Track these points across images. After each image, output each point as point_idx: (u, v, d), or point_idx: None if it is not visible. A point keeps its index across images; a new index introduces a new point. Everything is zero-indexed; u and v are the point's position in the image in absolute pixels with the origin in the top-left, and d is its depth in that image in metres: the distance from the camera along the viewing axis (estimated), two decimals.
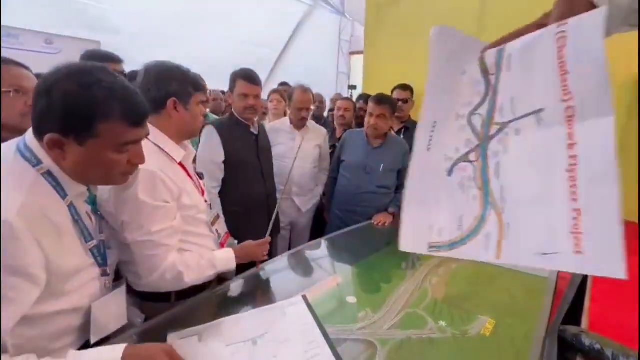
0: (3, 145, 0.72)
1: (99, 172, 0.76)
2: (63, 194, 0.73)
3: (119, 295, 0.90)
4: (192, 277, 1.04)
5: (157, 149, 1.05)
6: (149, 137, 1.02)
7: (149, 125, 1.07)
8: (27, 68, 1.09)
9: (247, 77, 1.68)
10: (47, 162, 0.70)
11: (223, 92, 3.85)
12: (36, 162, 0.69)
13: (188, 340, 0.91)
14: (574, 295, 1.06)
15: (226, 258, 1.14)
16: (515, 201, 0.49)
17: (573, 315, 0.99)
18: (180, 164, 1.12)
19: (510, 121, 0.50)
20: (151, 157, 0.99)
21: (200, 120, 1.15)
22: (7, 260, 0.61)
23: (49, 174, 0.70)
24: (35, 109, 0.68)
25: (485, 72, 0.54)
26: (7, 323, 0.62)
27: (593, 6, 0.41)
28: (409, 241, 0.58)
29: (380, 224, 1.95)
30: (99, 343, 0.83)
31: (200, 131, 1.59)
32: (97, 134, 0.69)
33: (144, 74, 1.05)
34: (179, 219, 1.05)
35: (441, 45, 0.56)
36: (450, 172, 0.57)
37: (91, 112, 0.68)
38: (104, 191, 0.95)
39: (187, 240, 1.11)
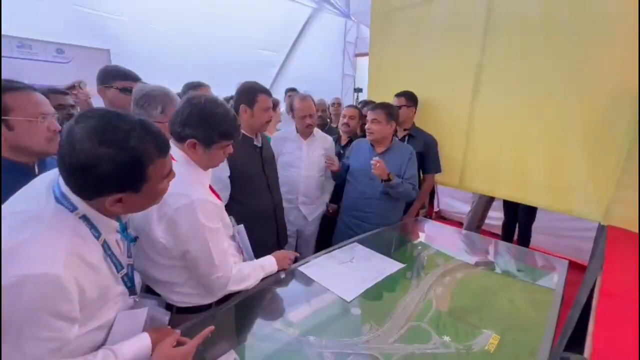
0: (37, 179, 0.79)
1: (148, 204, 0.85)
2: (97, 234, 0.78)
3: (140, 315, 0.93)
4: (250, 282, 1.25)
5: (193, 177, 1.10)
6: (183, 167, 1.07)
7: (183, 157, 1.11)
8: (33, 89, 1.11)
9: (267, 91, 1.74)
10: (82, 206, 0.75)
11: (226, 98, 3.75)
12: (72, 208, 0.74)
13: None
14: (578, 317, 1.04)
15: (271, 263, 1.38)
16: None
17: (578, 337, 0.98)
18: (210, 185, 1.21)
19: None
20: (196, 187, 1.07)
21: (219, 162, 1.20)
22: (54, 307, 0.67)
23: (84, 218, 0.75)
24: (81, 181, 0.71)
25: None
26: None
27: None
28: None
29: (376, 164, 1.90)
30: None
31: None
32: (149, 177, 0.77)
33: (188, 106, 1.09)
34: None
35: None
36: None
37: (141, 165, 0.74)
38: (145, 221, 1.03)
39: None
